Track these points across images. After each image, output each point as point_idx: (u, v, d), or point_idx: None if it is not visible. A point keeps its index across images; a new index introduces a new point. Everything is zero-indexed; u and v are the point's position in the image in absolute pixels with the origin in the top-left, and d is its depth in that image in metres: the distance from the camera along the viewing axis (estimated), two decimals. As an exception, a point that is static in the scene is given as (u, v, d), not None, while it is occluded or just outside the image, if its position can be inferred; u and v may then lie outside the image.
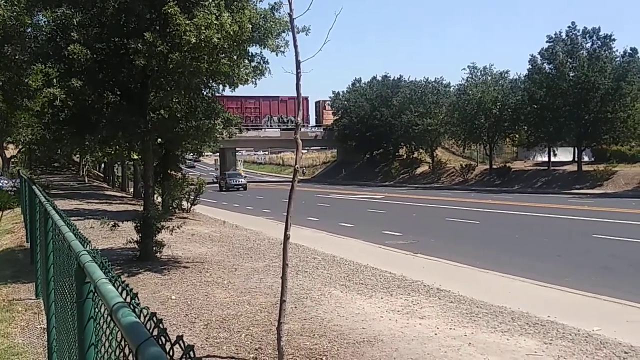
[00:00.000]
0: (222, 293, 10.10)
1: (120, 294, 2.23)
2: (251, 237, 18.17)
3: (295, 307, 9.01)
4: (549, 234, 20.25)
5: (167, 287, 10.48)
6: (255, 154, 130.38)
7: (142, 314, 1.94)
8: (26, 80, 18.35)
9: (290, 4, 7.19)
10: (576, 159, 54.99)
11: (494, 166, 61.80)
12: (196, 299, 9.64)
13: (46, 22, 12.10)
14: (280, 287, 6.79)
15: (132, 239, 13.03)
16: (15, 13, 11.75)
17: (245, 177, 69.07)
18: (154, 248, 12.96)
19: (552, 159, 58.01)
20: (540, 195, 44.17)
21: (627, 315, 9.13)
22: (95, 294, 2.76)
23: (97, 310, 2.86)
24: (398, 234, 20.00)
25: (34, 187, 11.39)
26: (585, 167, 52.83)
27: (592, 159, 57.75)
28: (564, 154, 59.61)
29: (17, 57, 12.76)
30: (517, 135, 63.41)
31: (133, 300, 2.09)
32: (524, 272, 12.61)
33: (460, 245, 17.57)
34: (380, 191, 52.36)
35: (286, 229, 6.87)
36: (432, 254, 15.40)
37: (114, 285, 2.37)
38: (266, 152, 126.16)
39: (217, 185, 63.19)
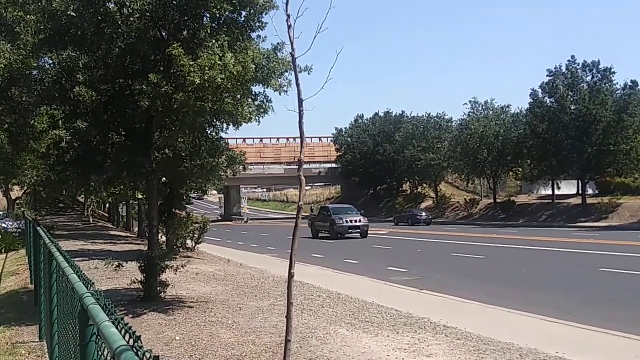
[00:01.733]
0: (226, 333, 10.01)
1: (124, 336, 2.22)
2: (255, 276, 18.07)
3: (301, 347, 8.91)
4: (555, 267, 20.11)
5: (171, 328, 10.39)
6: (254, 191, 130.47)
7: (145, 357, 1.93)
8: (32, 122, 18.53)
9: (292, 43, 7.31)
10: (580, 192, 54.94)
11: (498, 200, 61.75)
12: (200, 339, 9.55)
13: (52, 65, 12.29)
14: (285, 326, 6.73)
15: (136, 279, 12.96)
16: (21, 56, 11.94)
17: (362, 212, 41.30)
18: (158, 288, 12.89)
19: (556, 192, 57.99)
20: (545, 229, 44.01)
21: (636, 350, 9.00)
22: (99, 337, 2.75)
23: (100, 353, 2.85)
24: (403, 270, 19.88)
25: (38, 228, 11.40)
26: (589, 200, 52.75)
27: (596, 192, 57.70)
28: (567, 187, 59.58)
29: (23, 99, 12.94)
30: (520, 169, 63.53)
31: (136, 343, 2.09)
32: (531, 307, 12.48)
33: (466, 281, 17.44)
34: (385, 226, 52.23)
35: (290, 267, 6.85)
36: (438, 289, 15.27)
37: (117, 327, 2.37)
38: (264, 190, 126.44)
39: (310, 230, 39.32)
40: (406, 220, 58.01)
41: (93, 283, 3.57)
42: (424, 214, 59.55)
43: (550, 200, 57.56)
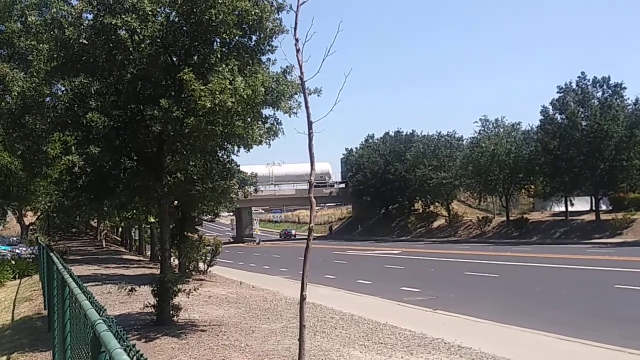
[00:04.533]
0: (239, 357, 9.97)
1: (135, 364, 2.23)
2: (268, 298, 18.03)
3: (314, 369, 8.86)
4: (570, 285, 19.90)
5: (184, 352, 10.37)
6: (262, 213, 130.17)
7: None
8: (45, 149, 18.73)
9: (300, 67, 7.38)
10: (594, 208, 54.47)
11: (511, 218, 61.33)
12: (214, 363, 9.52)
13: (64, 92, 12.42)
14: (298, 349, 6.71)
15: (149, 304, 12.98)
16: (34, 84, 12.08)
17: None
18: (171, 312, 12.89)
19: (569, 208, 57.50)
20: (559, 246, 43.59)
21: (655, 368, 8.87)
22: (111, 364, 2.76)
23: (113, 380, 2.85)
24: (417, 290, 19.76)
25: (51, 254, 11.47)
26: (603, 216, 52.25)
27: (610, 208, 57.16)
28: (581, 204, 59.09)
29: (36, 126, 13.02)
30: (532, 186, 63.15)
31: (148, 371, 2.09)
32: (547, 326, 12.35)
33: (480, 300, 17.30)
34: (397, 246, 52.01)
35: (302, 289, 6.85)
36: (452, 309, 15.17)
37: (129, 354, 2.38)
38: (272, 211, 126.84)
39: None
40: (284, 236, 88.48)
41: (105, 309, 3.58)
42: (293, 231, 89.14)
43: (563, 217, 57.08)
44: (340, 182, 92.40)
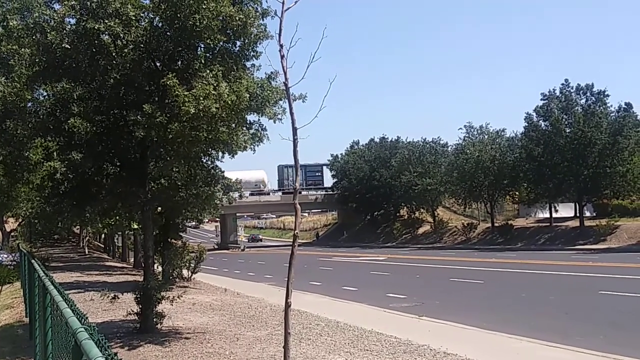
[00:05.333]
0: (224, 364, 9.87)
1: (116, 373, 2.18)
2: (253, 305, 17.92)
3: (300, 377, 8.79)
4: (555, 291, 19.99)
5: (168, 360, 10.26)
6: (247, 219, 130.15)
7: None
8: (27, 154, 18.49)
9: (285, 73, 7.34)
10: (578, 215, 54.87)
11: (496, 224, 61.64)
12: (198, 371, 9.41)
13: (46, 97, 12.28)
14: (283, 356, 6.64)
15: (132, 311, 12.83)
16: (15, 89, 11.91)
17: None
18: (155, 319, 12.75)
19: (554, 215, 57.89)
20: (544, 252, 43.89)
21: (639, 374, 8.90)
22: (92, 374, 2.69)
23: (93, 389, 2.78)
24: (402, 296, 19.75)
25: (33, 261, 11.31)
26: (587, 222, 52.65)
27: (594, 214, 57.62)
28: (565, 210, 59.51)
29: (17, 131, 12.83)
30: (517, 193, 63.54)
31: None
32: (532, 332, 12.38)
33: (465, 306, 17.32)
34: (383, 252, 52.03)
35: (287, 296, 6.79)
36: (438, 316, 15.16)
37: (110, 364, 2.33)
38: (255, 217, 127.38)
39: None
40: (251, 240, 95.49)
41: (87, 317, 3.51)
42: (260, 236, 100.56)
43: (548, 224, 57.47)
44: (276, 190, 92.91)
